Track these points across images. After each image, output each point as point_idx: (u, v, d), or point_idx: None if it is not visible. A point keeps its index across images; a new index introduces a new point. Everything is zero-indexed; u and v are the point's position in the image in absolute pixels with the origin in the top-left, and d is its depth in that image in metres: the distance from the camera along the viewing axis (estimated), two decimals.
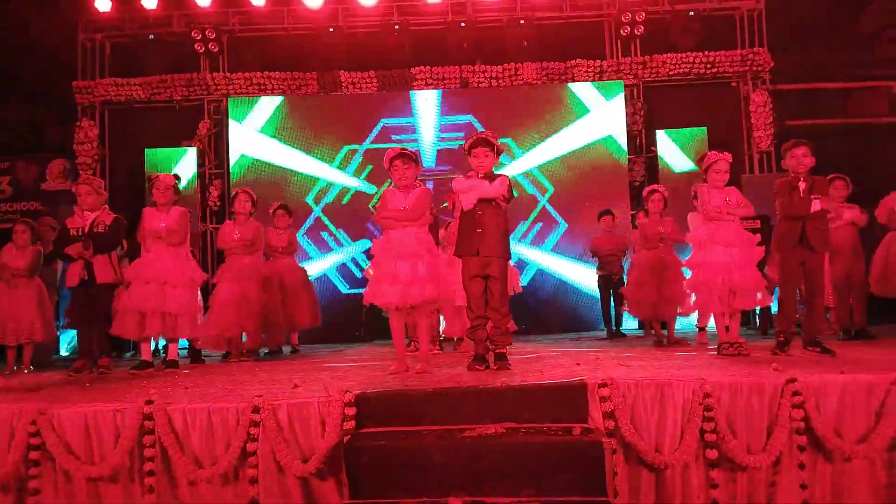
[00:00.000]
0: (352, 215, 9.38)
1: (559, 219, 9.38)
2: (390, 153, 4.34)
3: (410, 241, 4.20)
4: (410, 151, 4.36)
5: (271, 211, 7.05)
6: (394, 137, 9.37)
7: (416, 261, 4.17)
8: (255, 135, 9.47)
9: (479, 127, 9.14)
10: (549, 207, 9.41)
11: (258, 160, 9.45)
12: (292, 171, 9.45)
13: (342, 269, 9.37)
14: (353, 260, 9.34)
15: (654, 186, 6.52)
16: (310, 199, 9.41)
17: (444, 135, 9.48)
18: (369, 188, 9.41)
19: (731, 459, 3.08)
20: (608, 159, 9.41)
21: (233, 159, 9.44)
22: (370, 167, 9.41)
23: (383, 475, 2.97)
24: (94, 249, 5.17)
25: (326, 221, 9.41)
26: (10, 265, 6.06)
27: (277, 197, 8.13)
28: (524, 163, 9.44)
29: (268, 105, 9.52)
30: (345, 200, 9.46)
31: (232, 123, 9.47)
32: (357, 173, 9.47)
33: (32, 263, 6.15)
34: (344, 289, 9.29)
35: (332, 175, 9.47)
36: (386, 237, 4.32)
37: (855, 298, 6.07)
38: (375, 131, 9.50)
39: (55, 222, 6.99)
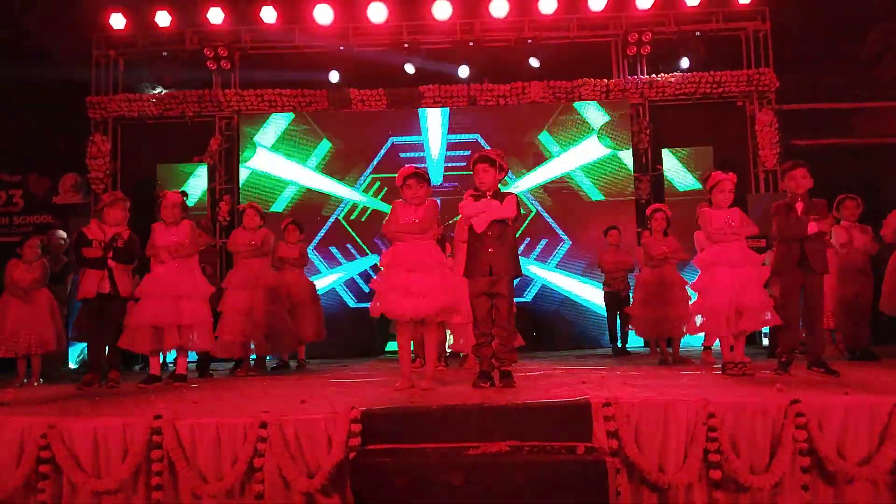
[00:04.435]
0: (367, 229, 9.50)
1: (564, 236, 9.43)
2: (404, 172, 4.40)
3: (421, 253, 4.25)
4: (423, 171, 4.43)
5: (282, 226, 7.12)
6: (402, 155, 9.49)
7: (428, 273, 4.22)
8: (264, 151, 9.58)
9: (485, 145, 9.28)
10: (554, 224, 9.46)
11: (267, 175, 9.56)
12: (302, 186, 9.57)
13: (350, 283, 9.44)
14: (362, 274, 9.40)
15: (658, 206, 6.57)
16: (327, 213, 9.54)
17: (451, 153, 9.57)
18: (379, 205, 9.50)
19: (734, 480, 3.08)
20: (614, 177, 9.47)
21: (242, 175, 9.55)
22: (378, 184, 9.53)
23: (388, 492, 2.99)
24: (115, 257, 5.25)
25: (351, 231, 9.50)
26: (21, 283, 6.10)
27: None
28: (531, 179, 9.50)
29: (278, 121, 9.65)
30: (353, 216, 9.56)
31: (242, 139, 9.60)
32: (366, 190, 9.59)
33: (41, 276, 6.22)
34: (352, 303, 9.36)
35: (342, 192, 9.58)
36: (396, 249, 4.35)
37: (859, 319, 6.06)
38: (384, 150, 9.63)
39: (65, 235, 7.07)
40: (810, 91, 9.59)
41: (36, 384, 6.03)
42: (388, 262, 4.37)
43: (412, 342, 6.29)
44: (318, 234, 9.43)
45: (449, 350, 6.48)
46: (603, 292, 7.89)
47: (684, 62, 9.50)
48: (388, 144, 9.63)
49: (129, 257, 5.40)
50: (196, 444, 3.17)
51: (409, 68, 9.54)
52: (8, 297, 6.14)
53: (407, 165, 4.47)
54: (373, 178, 9.55)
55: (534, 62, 9.53)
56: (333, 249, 9.46)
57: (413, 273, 4.20)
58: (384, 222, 4.51)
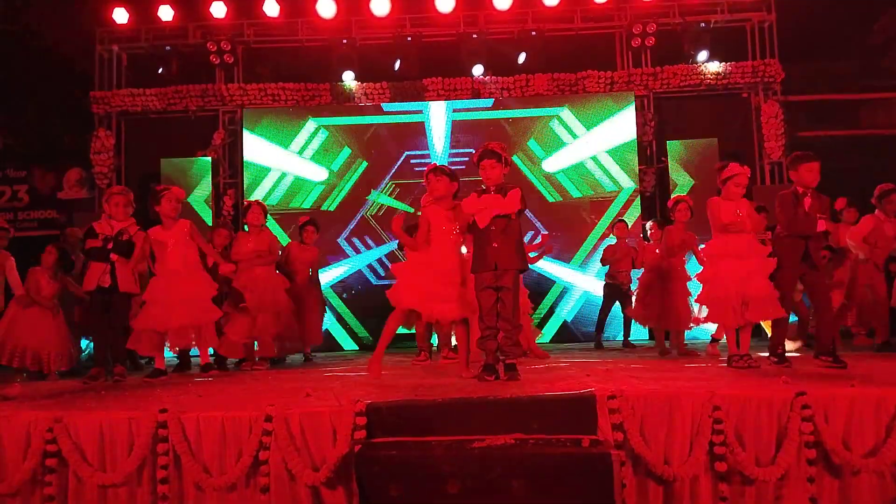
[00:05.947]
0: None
1: (568, 228, 9.41)
2: (426, 171, 4.65)
3: (454, 257, 4.50)
4: (443, 166, 4.64)
5: (299, 224, 7.09)
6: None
7: (460, 277, 4.45)
8: (267, 145, 9.58)
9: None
10: (558, 216, 9.44)
11: (269, 169, 9.57)
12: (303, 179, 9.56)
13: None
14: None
15: (680, 196, 6.49)
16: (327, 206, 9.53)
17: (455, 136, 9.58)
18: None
19: (740, 472, 3.08)
20: (619, 169, 9.44)
21: (246, 169, 9.55)
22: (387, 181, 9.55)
23: (393, 485, 3.00)
24: (114, 248, 5.26)
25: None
26: (43, 292, 6.13)
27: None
28: (536, 172, 9.48)
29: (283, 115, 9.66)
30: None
31: (246, 133, 9.59)
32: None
33: (60, 292, 6.26)
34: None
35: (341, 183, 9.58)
36: (428, 256, 4.51)
37: (878, 312, 6.02)
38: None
39: (80, 233, 7.07)
40: (816, 82, 9.55)
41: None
42: (412, 263, 4.59)
43: (415, 337, 6.39)
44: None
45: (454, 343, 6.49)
46: (604, 283, 7.85)
47: (702, 54, 9.40)
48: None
49: (128, 250, 5.40)
50: (201, 438, 3.18)
51: (396, 64, 9.50)
52: (28, 307, 6.12)
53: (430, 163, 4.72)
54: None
55: (521, 57, 9.46)
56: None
57: (445, 278, 4.43)
58: (416, 228, 4.67)
